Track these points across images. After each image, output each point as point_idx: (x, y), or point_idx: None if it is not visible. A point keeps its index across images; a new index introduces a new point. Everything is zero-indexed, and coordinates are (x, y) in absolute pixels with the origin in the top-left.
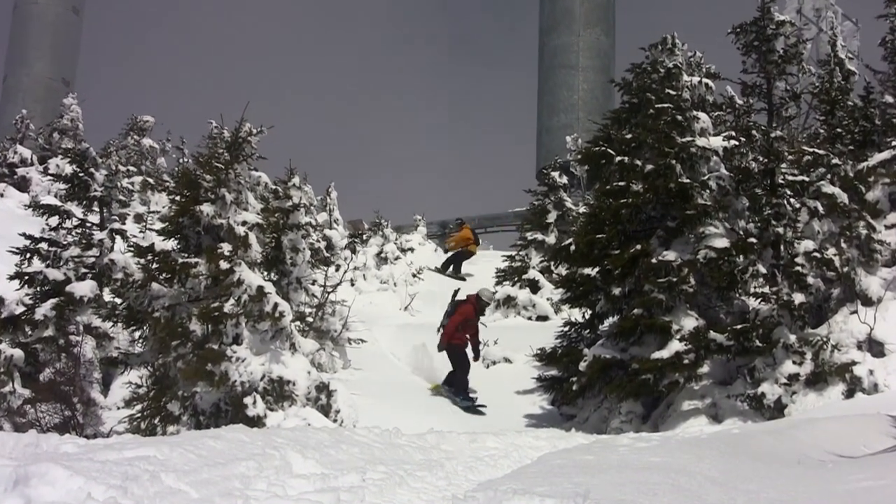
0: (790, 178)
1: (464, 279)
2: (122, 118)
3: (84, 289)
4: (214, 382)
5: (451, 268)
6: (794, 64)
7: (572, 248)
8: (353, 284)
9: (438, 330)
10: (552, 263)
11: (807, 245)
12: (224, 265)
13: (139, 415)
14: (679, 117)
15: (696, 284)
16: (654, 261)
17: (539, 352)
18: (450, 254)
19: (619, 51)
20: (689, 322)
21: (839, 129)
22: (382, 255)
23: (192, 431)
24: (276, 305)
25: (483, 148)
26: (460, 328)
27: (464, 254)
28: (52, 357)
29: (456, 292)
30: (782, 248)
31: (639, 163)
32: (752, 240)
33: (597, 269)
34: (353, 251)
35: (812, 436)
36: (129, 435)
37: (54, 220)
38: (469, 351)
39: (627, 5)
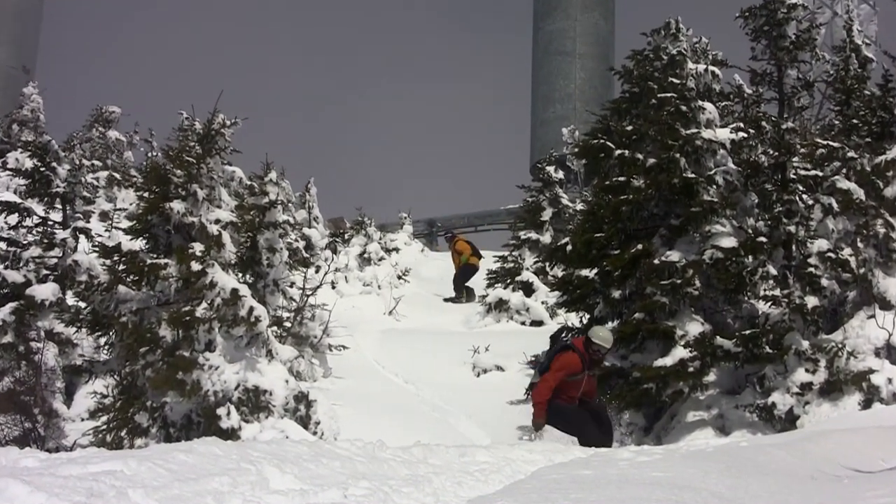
0: (803, 172)
1: (473, 298)
2: (86, 109)
3: (45, 292)
4: (185, 392)
5: (461, 293)
6: (806, 50)
7: (569, 248)
8: (334, 287)
9: (526, 393)
10: (547, 264)
11: (820, 245)
12: (196, 266)
13: (105, 427)
14: (683, 108)
15: (701, 287)
16: (656, 261)
17: (533, 359)
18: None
19: (619, 36)
20: (695, 327)
21: (855, 120)
22: (365, 255)
23: (162, 445)
24: (251, 309)
25: (473, 141)
26: (560, 391)
27: (467, 270)
28: (11, 365)
29: (557, 335)
30: (794, 247)
31: (640, 156)
32: (762, 239)
33: (595, 271)
34: (335, 251)
35: (826, 449)
36: (94, 448)
37: (13, 219)
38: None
39: None
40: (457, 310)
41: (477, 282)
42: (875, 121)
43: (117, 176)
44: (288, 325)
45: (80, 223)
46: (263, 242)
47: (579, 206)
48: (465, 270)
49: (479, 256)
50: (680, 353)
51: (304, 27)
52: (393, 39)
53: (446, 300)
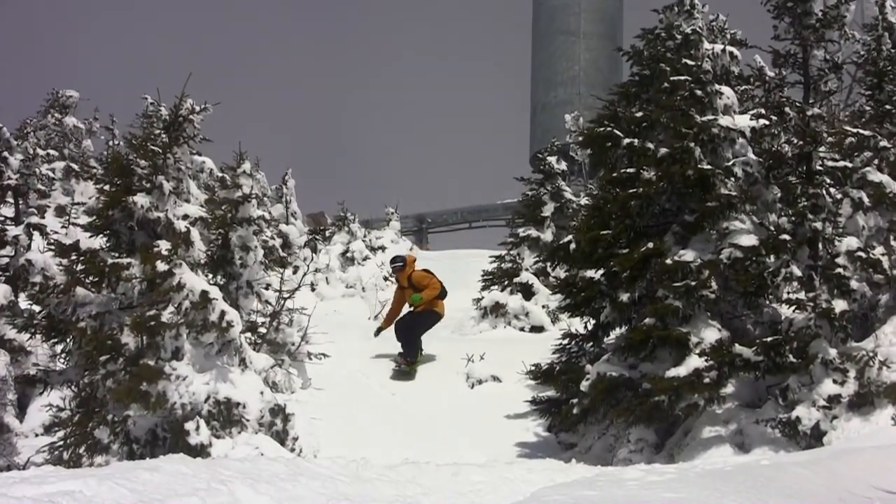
0: (830, 163)
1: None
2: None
3: None
4: (150, 405)
5: (407, 352)
6: (834, 28)
7: (572, 246)
8: (314, 289)
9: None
10: (548, 264)
11: (850, 243)
12: (161, 266)
13: (61, 443)
14: (699, 92)
15: (718, 289)
16: (668, 261)
17: (533, 369)
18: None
19: (628, 14)
20: (711, 334)
21: (888, 106)
22: (348, 254)
23: (125, 462)
24: (222, 314)
25: (467, 129)
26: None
27: (432, 319)
28: None
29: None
30: (821, 246)
31: (651, 146)
32: (785, 237)
33: (601, 272)
34: (314, 250)
35: (856, 468)
36: (50, 466)
37: None
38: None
39: None
40: (448, 315)
41: (471, 283)
42: None
43: (75, 167)
44: (263, 331)
45: (35, 219)
46: (236, 240)
47: (584, 201)
48: (429, 318)
49: (443, 296)
50: (694, 362)
51: (280, 3)
52: (373, 14)
53: (397, 360)
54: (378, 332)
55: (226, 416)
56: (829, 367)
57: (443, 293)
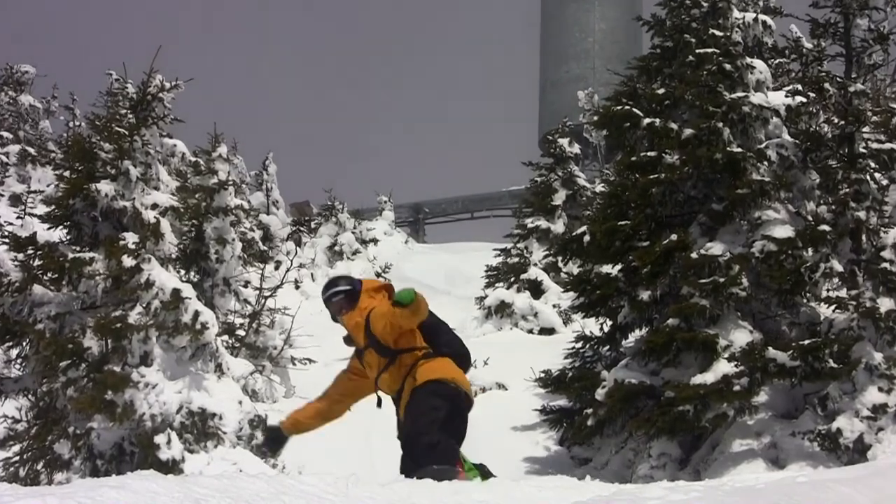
0: (875, 145)
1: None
2: None
3: None
4: (116, 416)
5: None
6: None
7: (586, 238)
8: (298, 287)
9: None
10: (560, 259)
11: None
12: (128, 262)
13: (17, 458)
14: (728, 66)
15: (749, 286)
16: (694, 255)
17: (543, 375)
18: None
19: None
20: (741, 336)
21: None
22: (337, 248)
23: (88, 480)
24: (196, 314)
25: (469, 108)
26: None
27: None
28: None
29: None
30: (864, 238)
31: (674, 126)
32: (825, 227)
33: (619, 267)
34: (298, 243)
35: None
36: (5, 484)
37: None
38: None
39: None
40: (448, 315)
41: (473, 279)
42: None
43: (31, 151)
44: (242, 333)
45: None
46: (211, 232)
47: (599, 188)
48: (434, 403)
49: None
50: (723, 367)
51: None
52: None
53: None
54: (274, 440)
55: (200, 429)
56: (873, 374)
57: (458, 353)
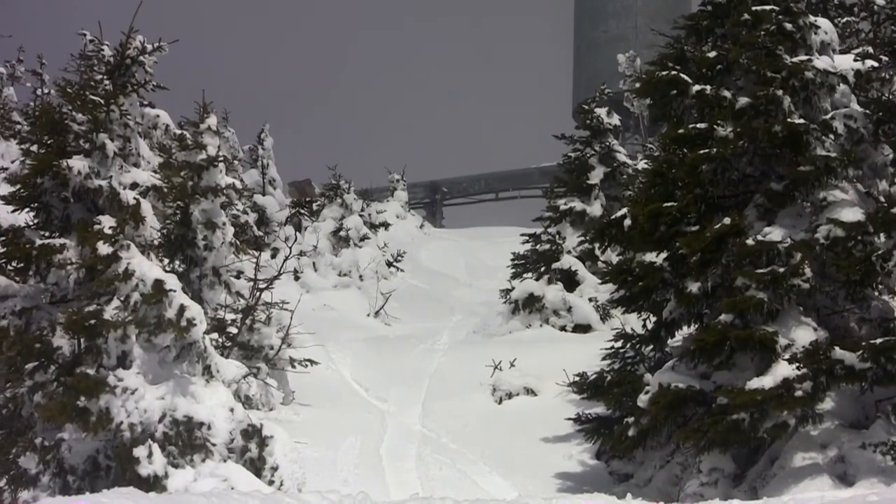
0: None
1: None
2: None
3: None
4: (90, 425)
5: None
6: None
7: (627, 222)
8: (297, 278)
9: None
10: (597, 246)
11: None
12: (104, 249)
13: None
14: (788, 26)
15: (814, 277)
16: (750, 242)
17: (577, 379)
18: None
19: None
20: (804, 334)
21: None
22: (342, 233)
23: (58, 498)
24: (182, 309)
25: (493, 77)
26: None
27: None
28: None
29: None
30: None
31: (727, 94)
32: None
33: (664, 255)
34: (298, 228)
35: None
36: None
37: None
38: None
39: None
40: (471, 311)
41: (498, 269)
42: None
43: None
44: (234, 331)
45: None
46: (199, 215)
47: (642, 165)
48: None
49: None
50: (783, 370)
51: None
52: None
53: None
54: None
55: (186, 440)
56: None
57: None
